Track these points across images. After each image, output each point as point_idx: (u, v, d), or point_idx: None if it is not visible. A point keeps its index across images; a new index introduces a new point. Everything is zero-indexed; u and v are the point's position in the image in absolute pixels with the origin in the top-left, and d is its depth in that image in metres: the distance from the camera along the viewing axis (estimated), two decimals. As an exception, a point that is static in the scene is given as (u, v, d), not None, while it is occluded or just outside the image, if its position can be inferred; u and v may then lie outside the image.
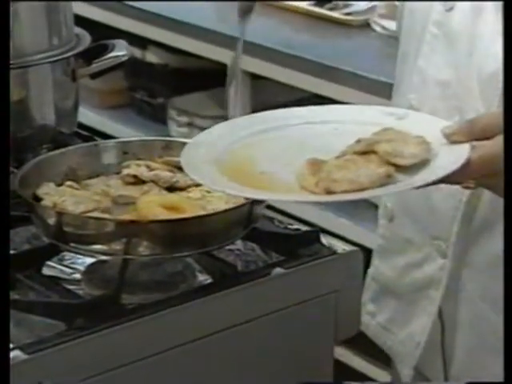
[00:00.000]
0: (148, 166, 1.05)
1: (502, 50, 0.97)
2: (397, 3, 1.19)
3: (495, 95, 1.00)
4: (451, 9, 1.04)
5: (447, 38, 1.04)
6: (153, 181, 1.03)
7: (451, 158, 0.86)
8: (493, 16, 1.01)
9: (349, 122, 0.95)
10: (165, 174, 1.03)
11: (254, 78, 2.06)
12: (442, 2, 1.04)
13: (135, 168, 1.04)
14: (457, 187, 1.01)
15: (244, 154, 0.91)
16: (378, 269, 1.16)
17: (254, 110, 2.20)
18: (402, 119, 0.94)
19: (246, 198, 0.93)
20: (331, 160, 0.88)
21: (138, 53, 2.27)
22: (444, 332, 1.12)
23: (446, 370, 1.13)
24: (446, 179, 0.86)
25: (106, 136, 1.45)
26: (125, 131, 2.26)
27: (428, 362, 1.13)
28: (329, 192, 0.84)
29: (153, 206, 0.95)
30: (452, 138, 0.89)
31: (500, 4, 0.97)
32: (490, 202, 1.04)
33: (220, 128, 0.96)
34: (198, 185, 1.03)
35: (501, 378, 0.81)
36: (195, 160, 0.89)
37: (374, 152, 0.87)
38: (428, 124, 0.92)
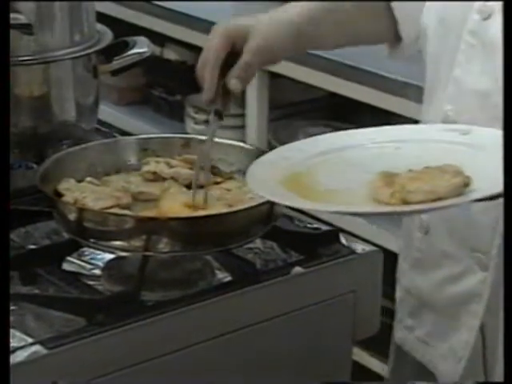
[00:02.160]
0: (168, 163, 1.05)
1: None
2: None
3: None
4: (488, 17, 1.01)
5: (484, 47, 1.02)
6: (173, 178, 1.03)
7: None
8: None
9: (409, 140, 0.94)
10: (185, 172, 1.03)
11: (273, 76, 2.06)
12: (478, 10, 1.02)
13: (155, 165, 1.05)
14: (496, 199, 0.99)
15: (309, 176, 0.91)
16: (413, 282, 1.13)
17: (272, 108, 2.19)
18: (467, 134, 0.93)
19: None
20: (404, 172, 0.87)
21: (156, 50, 2.27)
22: (485, 347, 1.10)
23: (488, 382, 1.11)
24: None
25: (123, 132, 1.45)
26: (142, 128, 2.26)
27: (469, 377, 1.11)
28: (405, 202, 0.84)
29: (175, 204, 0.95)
30: None
31: None
32: None
33: (282, 150, 0.96)
34: (217, 183, 1.04)
35: None
36: (261, 179, 0.89)
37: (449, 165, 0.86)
38: (494, 136, 0.91)
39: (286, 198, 0.87)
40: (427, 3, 1.09)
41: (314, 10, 1.07)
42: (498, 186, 0.83)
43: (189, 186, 1.03)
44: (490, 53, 1.02)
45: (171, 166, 1.05)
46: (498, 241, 1.04)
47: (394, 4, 1.11)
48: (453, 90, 1.05)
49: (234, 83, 0.99)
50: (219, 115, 1.00)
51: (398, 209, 0.85)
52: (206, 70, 0.99)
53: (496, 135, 0.92)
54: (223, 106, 1.00)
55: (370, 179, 0.88)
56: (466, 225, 1.07)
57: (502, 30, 0.86)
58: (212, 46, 1.00)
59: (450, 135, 0.94)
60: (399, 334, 1.16)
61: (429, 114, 1.10)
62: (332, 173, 0.91)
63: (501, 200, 1.00)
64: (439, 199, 0.84)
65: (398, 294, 1.16)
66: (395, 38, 1.13)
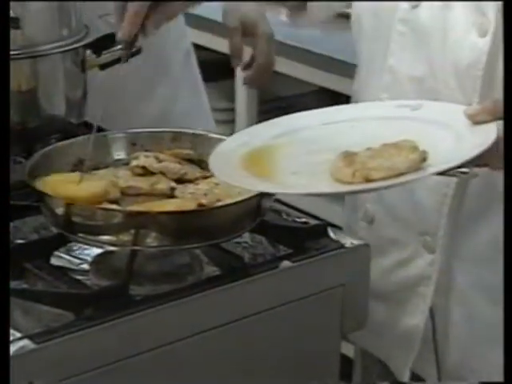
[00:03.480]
0: (157, 158, 1.05)
1: (477, 40, 0.97)
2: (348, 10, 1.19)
3: (475, 85, 0.99)
4: (417, 6, 1.04)
5: (416, 35, 1.04)
6: (162, 172, 1.03)
7: (480, 138, 0.86)
8: (462, 7, 1.01)
9: (364, 118, 0.95)
10: (173, 166, 1.03)
11: (262, 70, 2.05)
12: (407, 1, 1.04)
13: (144, 159, 1.05)
14: (440, 181, 1.00)
15: (268, 157, 0.92)
16: None
17: (261, 103, 2.20)
18: (417, 109, 0.94)
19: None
20: (363, 151, 0.89)
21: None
22: (435, 329, 1.11)
23: (439, 367, 1.12)
24: (478, 160, 0.85)
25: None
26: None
27: (420, 360, 1.12)
28: (367, 180, 0.85)
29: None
30: (476, 119, 0.88)
31: None
32: (477, 192, 1.04)
33: (242, 134, 0.97)
34: (206, 177, 1.04)
35: (497, 369, 0.81)
36: (224, 165, 0.90)
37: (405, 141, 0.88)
38: (445, 110, 0.93)
39: (247, 183, 0.88)
40: None
41: None
42: (455, 160, 0.85)
43: (178, 181, 1.03)
44: (421, 39, 1.04)
45: (160, 161, 1.05)
46: (443, 222, 1.06)
47: None
48: (388, 78, 1.07)
49: None
50: (129, 46, 1.01)
51: (362, 187, 0.86)
52: (132, 8, 1.00)
53: (446, 108, 0.93)
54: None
55: (329, 159, 0.89)
56: (411, 210, 1.08)
57: (503, 29, 0.88)
58: None
59: (402, 111, 0.95)
60: None
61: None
62: (291, 155, 0.92)
63: (444, 180, 1.02)
64: (400, 175, 0.85)
65: None
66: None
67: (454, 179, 1.02)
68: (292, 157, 0.92)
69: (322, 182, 0.87)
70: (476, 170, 0.89)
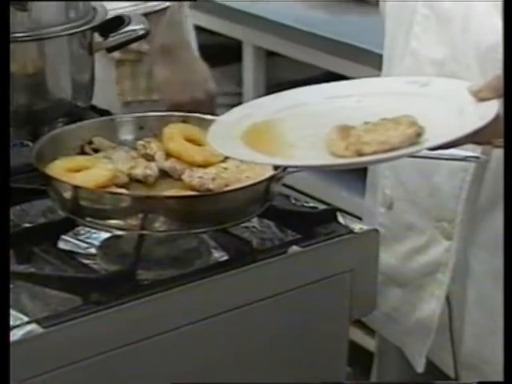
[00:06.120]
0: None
1: (500, 22, 0.97)
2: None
3: (495, 68, 0.99)
4: None
5: (439, 18, 1.04)
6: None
7: (480, 114, 0.85)
8: None
9: (371, 94, 0.95)
10: (180, 166, 1.02)
11: (269, 54, 2.05)
12: None
13: (154, 147, 1.03)
14: (458, 166, 1.00)
15: (270, 130, 0.91)
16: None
17: (268, 87, 2.19)
18: (426, 86, 0.94)
19: (276, 167, 0.93)
20: (360, 125, 0.88)
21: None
22: (452, 316, 1.11)
23: (455, 355, 1.12)
24: (476, 137, 0.85)
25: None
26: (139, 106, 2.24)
27: (436, 348, 1.12)
28: (359, 154, 0.84)
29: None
30: (480, 95, 0.88)
31: None
32: (495, 178, 1.03)
33: (244, 107, 0.96)
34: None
35: None
36: (222, 136, 0.89)
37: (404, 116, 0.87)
38: (453, 86, 0.92)
39: (243, 154, 0.87)
40: None
41: None
42: (450, 135, 0.84)
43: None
44: (443, 22, 1.04)
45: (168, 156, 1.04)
46: (461, 208, 1.05)
47: None
48: (410, 61, 1.08)
49: None
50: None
51: (352, 160, 0.85)
52: None
53: (453, 84, 0.93)
54: None
55: (330, 131, 0.88)
56: (429, 195, 1.08)
57: (503, 29, 0.87)
58: None
59: (410, 87, 0.94)
60: None
61: None
62: (293, 128, 0.92)
63: (462, 165, 1.02)
64: (392, 149, 0.84)
65: None
66: None
67: (473, 164, 1.01)
68: (293, 130, 0.91)
69: (314, 156, 0.87)
70: (482, 155, 0.88)
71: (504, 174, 0.83)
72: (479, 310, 1.08)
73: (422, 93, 0.93)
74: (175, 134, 1.02)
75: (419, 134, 0.85)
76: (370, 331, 1.90)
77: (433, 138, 0.85)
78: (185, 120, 1.07)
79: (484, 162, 0.93)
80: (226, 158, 1.00)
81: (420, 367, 1.13)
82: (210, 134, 0.91)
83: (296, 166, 0.95)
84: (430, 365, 1.14)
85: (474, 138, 0.85)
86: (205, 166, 0.99)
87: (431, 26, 1.05)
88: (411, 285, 1.12)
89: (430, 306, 1.10)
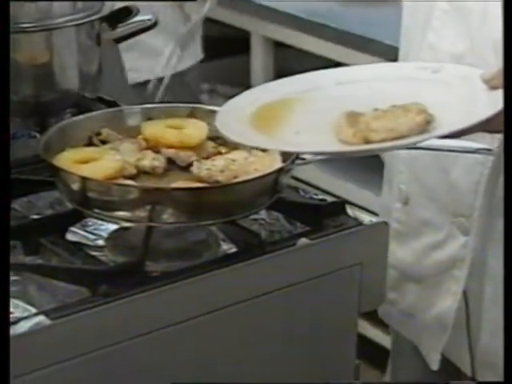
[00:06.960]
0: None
1: None
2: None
3: None
4: None
5: (458, 12, 1.04)
6: (171, 159, 1.01)
7: (491, 102, 0.84)
8: None
9: (382, 79, 0.93)
10: (183, 153, 1.01)
11: (278, 45, 2.04)
12: None
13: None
14: (476, 160, 0.99)
15: (278, 115, 0.90)
16: (394, 255, 1.13)
17: (277, 78, 2.17)
18: (438, 72, 0.93)
19: (285, 160, 0.92)
20: (369, 112, 0.87)
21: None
22: (469, 312, 1.10)
23: (472, 351, 1.11)
24: (487, 126, 0.84)
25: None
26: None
27: (453, 344, 1.11)
28: (367, 142, 0.83)
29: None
30: (492, 83, 0.87)
31: None
32: None
33: (252, 92, 0.95)
34: (221, 153, 1.02)
35: None
36: (230, 122, 0.89)
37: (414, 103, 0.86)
38: (465, 73, 0.91)
39: (249, 139, 0.86)
40: None
41: None
42: (460, 123, 0.83)
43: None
44: (462, 16, 1.04)
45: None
46: (478, 203, 1.04)
47: None
48: (428, 55, 1.07)
49: None
50: None
51: (359, 148, 0.84)
52: None
53: (465, 72, 0.92)
54: None
55: (339, 117, 0.87)
56: (446, 190, 1.07)
57: (502, 29, 0.86)
58: None
59: (421, 73, 0.93)
60: (382, 308, 1.16)
61: None
62: (301, 112, 0.90)
63: (483, 162, 1.01)
64: (401, 137, 0.83)
65: None
66: None
67: (490, 158, 1.00)
68: (301, 115, 0.90)
69: (321, 142, 0.86)
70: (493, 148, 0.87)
71: (504, 174, 0.82)
72: (496, 307, 1.07)
73: (432, 79, 0.92)
74: (153, 122, 1.02)
75: (428, 122, 0.84)
76: (379, 324, 1.90)
77: (442, 126, 0.84)
78: (191, 112, 1.06)
79: (496, 154, 0.92)
80: (234, 149, 1.00)
81: (435, 365, 1.12)
82: (218, 118, 0.90)
83: (303, 153, 0.94)
84: (445, 363, 1.14)
85: (484, 126, 0.84)
86: (181, 147, 0.99)
87: (450, 21, 1.05)
88: (428, 281, 1.11)
89: (447, 303, 1.09)
